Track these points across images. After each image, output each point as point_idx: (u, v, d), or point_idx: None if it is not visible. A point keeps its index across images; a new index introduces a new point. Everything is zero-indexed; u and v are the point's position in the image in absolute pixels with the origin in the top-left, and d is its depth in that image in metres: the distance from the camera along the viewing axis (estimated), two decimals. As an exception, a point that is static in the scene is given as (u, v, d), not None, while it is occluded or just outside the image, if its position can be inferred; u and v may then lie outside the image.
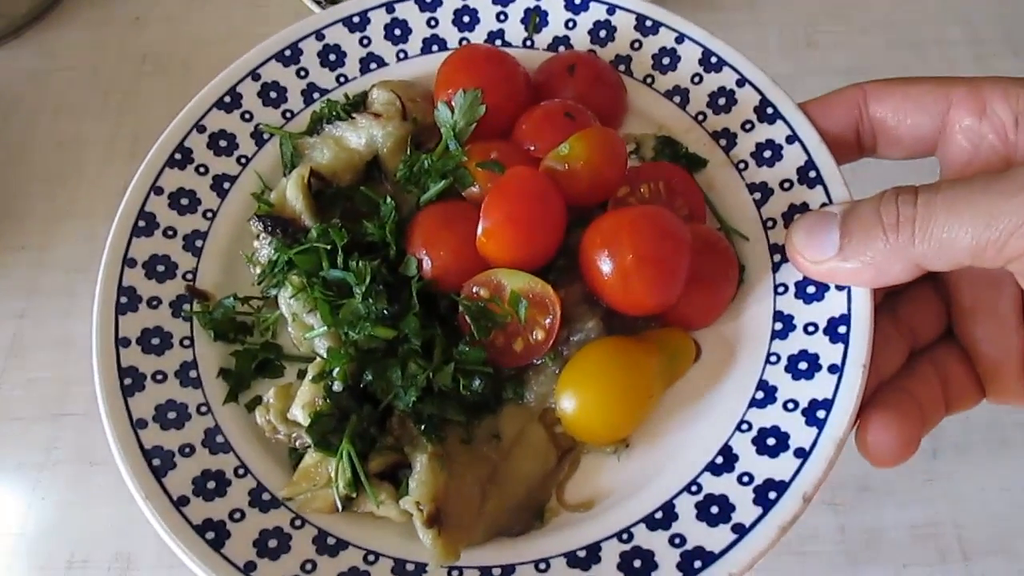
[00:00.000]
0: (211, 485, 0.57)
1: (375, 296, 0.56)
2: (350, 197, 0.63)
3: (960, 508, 0.81)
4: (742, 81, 0.65)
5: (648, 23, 0.69)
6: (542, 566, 0.54)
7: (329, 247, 0.59)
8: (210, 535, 0.54)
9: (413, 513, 0.54)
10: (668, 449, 0.58)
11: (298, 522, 0.56)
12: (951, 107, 0.55)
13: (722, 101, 0.65)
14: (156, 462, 0.57)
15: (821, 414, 0.54)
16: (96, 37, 1.16)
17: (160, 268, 0.64)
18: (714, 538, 0.53)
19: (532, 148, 0.61)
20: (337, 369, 0.56)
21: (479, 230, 0.57)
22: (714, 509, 0.54)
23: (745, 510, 0.53)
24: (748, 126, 0.63)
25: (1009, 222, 0.44)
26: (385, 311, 0.56)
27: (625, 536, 0.54)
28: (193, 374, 0.61)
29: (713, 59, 0.66)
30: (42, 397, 0.90)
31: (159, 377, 0.60)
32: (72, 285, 0.97)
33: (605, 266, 0.54)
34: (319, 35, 0.73)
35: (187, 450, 0.58)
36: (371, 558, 0.55)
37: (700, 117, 0.66)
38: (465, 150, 0.62)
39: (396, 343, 0.57)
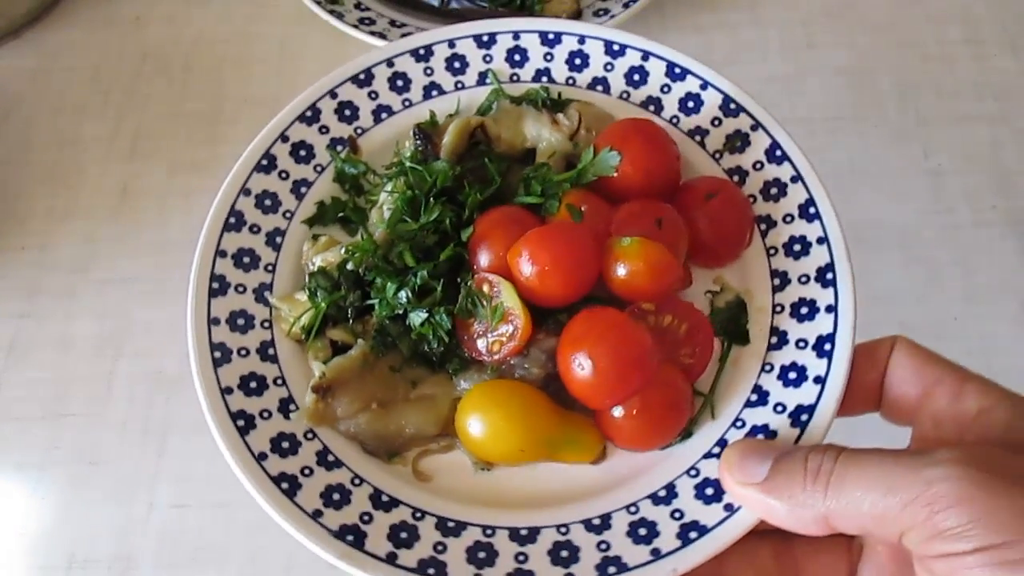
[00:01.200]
0: (285, 445, 0.61)
1: (426, 232, 0.66)
2: (489, 160, 0.71)
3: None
4: (831, 312, 0.63)
5: (810, 210, 0.69)
6: (385, 498, 0.60)
7: (431, 178, 0.68)
8: (284, 485, 0.59)
9: (315, 374, 0.64)
10: (530, 489, 0.62)
11: (357, 480, 0.61)
12: (936, 384, 0.55)
13: (804, 311, 0.64)
14: (240, 423, 0.61)
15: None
16: (96, 37, 1.17)
17: (348, 111, 0.75)
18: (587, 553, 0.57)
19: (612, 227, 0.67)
20: (358, 254, 0.66)
21: (513, 247, 0.62)
22: (643, 532, 0.58)
23: (668, 539, 0.57)
24: (802, 343, 0.63)
25: (906, 494, 0.45)
26: (423, 247, 0.66)
27: (452, 524, 0.59)
28: (271, 352, 0.66)
29: (829, 275, 0.65)
30: (42, 397, 0.90)
31: (243, 352, 0.65)
32: (72, 285, 0.97)
33: (568, 347, 0.60)
34: (596, 41, 0.79)
35: (265, 414, 0.63)
36: (418, 515, 0.59)
37: (777, 308, 0.66)
38: (570, 189, 0.67)
39: (408, 271, 0.65)
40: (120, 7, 1.20)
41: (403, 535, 0.57)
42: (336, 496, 0.59)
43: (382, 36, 1.07)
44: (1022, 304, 0.92)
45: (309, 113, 0.74)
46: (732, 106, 0.73)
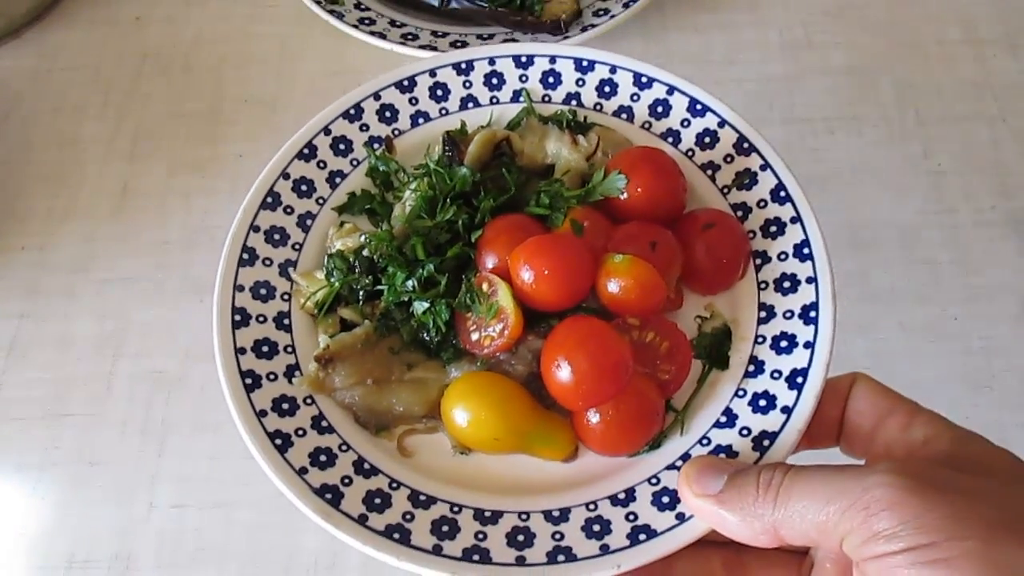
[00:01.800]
0: (285, 406, 0.67)
1: (440, 230, 0.71)
2: (509, 171, 0.76)
3: (960, 508, 0.81)
4: (809, 348, 0.67)
5: (805, 250, 0.72)
6: (367, 465, 0.65)
7: (450, 181, 0.73)
8: (278, 441, 0.64)
9: (320, 345, 0.69)
10: (502, 476, 0.66)
11: (344, 447, 0.66)
12: (890, 415, 0.58)
13: (784, 344, 0.68)
14: (248, 381, 0.67)
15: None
16: (96, 37, 1.17)
17: (388, 113, 0.81)
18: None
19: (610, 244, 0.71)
20: (374, 242, 0.71)
21: (513, 252, 0.67)
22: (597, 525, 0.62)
23: (619, 536, 0.61)
24: (776, 374, 0.66)
25: (845, 501, 0.48)
26: (435, 243, 0.71)
27: (423, 497, 0.63)
28: (286, 322, 0.72)
29: (812, 313, 0.68)
30: (42, 397, 0.90)
31: (261, 319, 0.71)
32: (72, 285, 0.97)
33: (551, 352, 0.64)
34: (626, 72, 0.83)
35: (271, 376, 0.68)
36: (394, 485, 0.64)
37: (760, 339, 0.69)
38: (576, 205, 0.72)
39: (418, 263, 0.70)
40: (120, 7, 1.20)
41: (377, 501, 0.62)
42: (323, 458, 0.64)
43: (382, 36, 1.07)
44: (1022, 304, 0.92)
45: (353, 111, 0.80)
46: (745, 145, 0.76)
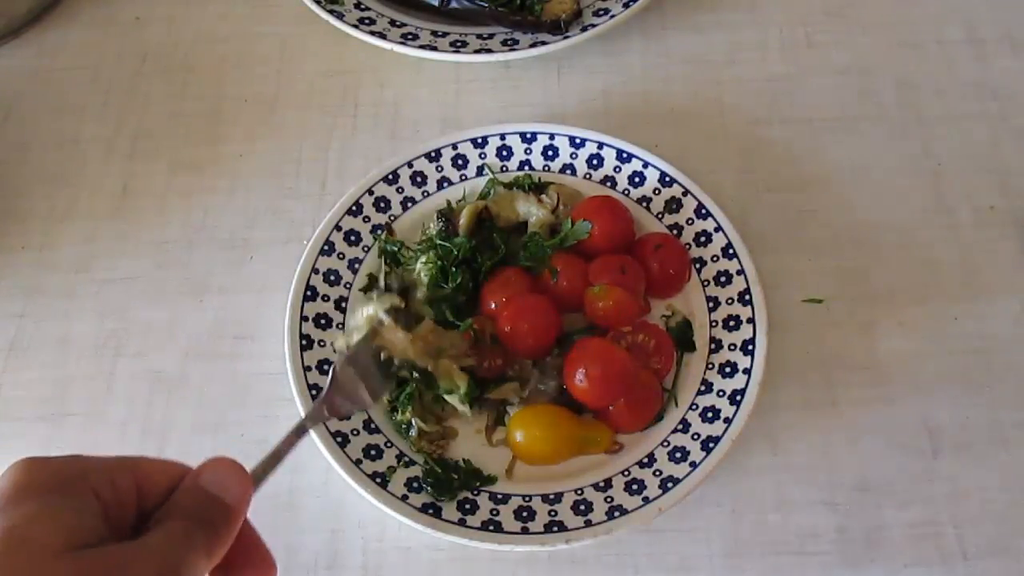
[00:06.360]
0: (373, 452, 0.82)
1: (453, 290, 0.88)
2: (494, 233, 0.93)
3: (960, 508, 0.81)
4: (751, 323, 0.86)
5: (729, 251, 0.90)
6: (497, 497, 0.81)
7: (454, 251, 0.89)
8: (378, 480, 0.79)
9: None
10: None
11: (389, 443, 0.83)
12: None
13: (732, 324, 0.87)
14: (339, 439, 0.81)
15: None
16: (96, 37, 1.17)
17: (382, 204, 0.97)
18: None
19: (589, 275, 0.90)
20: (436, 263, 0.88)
21: (499, 315, 0.86)
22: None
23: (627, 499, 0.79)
24: (732, 347, 0.85)
25: None
26: (455, 304, 0.88)
27: (500, 496, 0.80)
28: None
29: (747, 296, 0.87)
30: (42, 397, 0.90)
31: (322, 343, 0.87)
32: (72, 285, 0.97)
33: (570, 367, 0.83)
34: (563, 136, 0.99)
35: (355, 432, 0.83)
36: (475, 492, 0.80)
37: (713, 324, 0.88)
38: (553, 253, 0.90)
39: (446, 323, 0.87)
40: (120, 7, 1.20)
41: (467, 507, 0.78)
42: (415, 485, 0.79)
43: (382, 36, 1.07)
44: (1022, 304, 0.92)
45: (354, 208, 0.94)
46: (667, 179, 0.94)
